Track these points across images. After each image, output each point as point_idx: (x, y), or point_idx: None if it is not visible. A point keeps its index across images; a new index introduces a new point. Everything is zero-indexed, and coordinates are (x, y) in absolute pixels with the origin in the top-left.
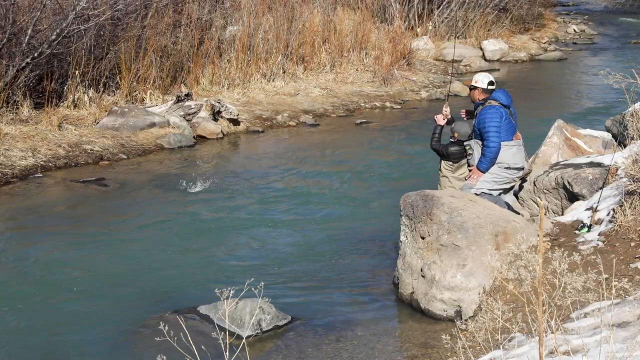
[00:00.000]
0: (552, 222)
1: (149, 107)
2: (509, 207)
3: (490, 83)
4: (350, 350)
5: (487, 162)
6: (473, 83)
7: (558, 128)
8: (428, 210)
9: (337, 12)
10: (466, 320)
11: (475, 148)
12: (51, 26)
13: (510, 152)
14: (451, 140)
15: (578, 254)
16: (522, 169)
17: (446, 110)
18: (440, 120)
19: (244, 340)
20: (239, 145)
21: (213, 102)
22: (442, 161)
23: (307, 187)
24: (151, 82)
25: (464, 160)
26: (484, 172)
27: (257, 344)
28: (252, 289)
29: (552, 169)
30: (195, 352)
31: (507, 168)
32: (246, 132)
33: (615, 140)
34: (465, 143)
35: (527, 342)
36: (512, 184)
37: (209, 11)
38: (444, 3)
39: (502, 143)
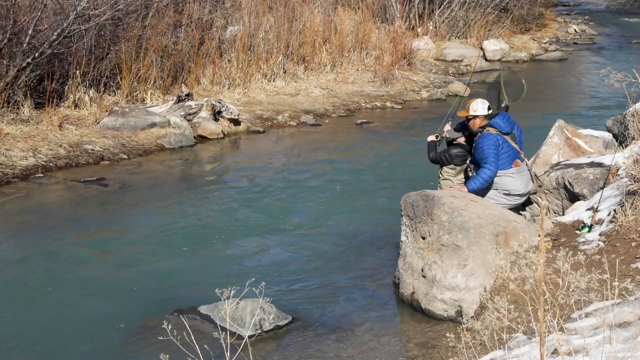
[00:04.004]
0: (553, 222)
1: (149, 107)
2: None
3: (489, 108)
4: (350, 350)
5: (478, 183)
6: (472, 113)
7: (559, 128)
8: (429, 210)
9: (338, 12)
10: (467, 320)
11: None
12: (52, 26)
13: (511, 180)
14: (454, 143)
15: (583, 253)
16: (524, 195)
17: (447, 127)
18: (432, 137)
19: (245, 339)
20: (239, 145)
21: (214, 102)
22: (443, 167)
23: (307, 187)
24: (152, 82)
25: (465, 165)
26: (469, 191)
27: (258, 343)
28: (253, 289)
29: (553, 169)
30: (199, 351)
31: (506, 194)
32: (247, 132)
33: (616, 140)
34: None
35: (528, 342)
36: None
37: (210, 11)
38: (445, 3)
39: (501, 171)
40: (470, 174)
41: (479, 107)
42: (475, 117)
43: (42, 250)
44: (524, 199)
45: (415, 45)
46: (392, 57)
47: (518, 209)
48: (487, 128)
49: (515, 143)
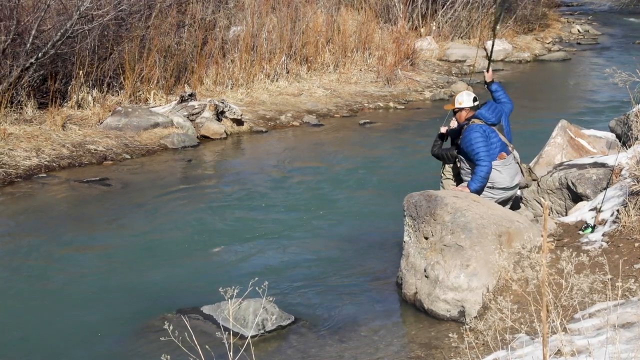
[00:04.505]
0: (556, 223)
1: (152, 107)
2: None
3: (475, 99)
4: (353, 351)
5: (479, 182)
6: (457, 105)
7: (562, 128)
8: (431, 211)
9: (341, 13)
10: (470, 320)
11: (462, 165)
12: (55, 26)
13: (495, 173)
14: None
15: (586, 254)
16: (510, 189)
17: (453, 123)
18: (444, 129)
19: (248, 339)
20: (242, 145)
21: (217, 102)
22: (445, 165)
23: (310, 187)
24: (155, 82)
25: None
26: (472, 192)
27: (261, 344)
28: (256, 288)
29: (556, 170)
30: (200, 352)
31: (489, 187)
32: (250, 132)
33: (619, 141)
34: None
35: (531, 343)
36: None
37: (213, 11)
38: (448, 3)
39: None
40: (458, 164)
41: (464, 100)
42: (461, 109)
43: (45, 250)
44: (509, 193)
45: (418, 45)
46: (395, 57)
47: (513, 206)
48: (473, 120)
49: (503, 134)
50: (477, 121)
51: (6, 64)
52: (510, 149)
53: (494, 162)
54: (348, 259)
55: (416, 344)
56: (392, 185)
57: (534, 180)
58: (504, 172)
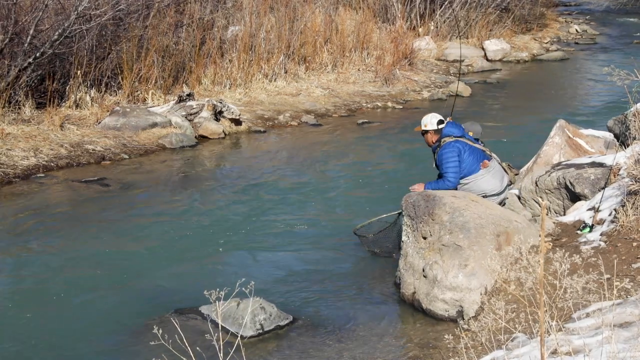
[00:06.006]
0: (554, 222)
1: (150, 107)
2: None
3: (440, 122)
4: (351, 350)
5: (436, 187)
6: (423, 128)
7: (560, 128)
8: (430, 210)
9: (339, 12)
10: (469, 320)
11: None
12: (53, 26)
13: (484, 181)
14: None
15: (579, 255)
16: (502, 192)
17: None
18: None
19: (238, 339)
20: (240, 145)
21: (215, 102)
22: None
23: (308, 187)
24: (153, 82)
25: None
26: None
27: (259, 343)
28: (252, 288)
29: (554, 169)
30: (191, 353)
31: (484, 196)
32: (248, 132)
33: (617, 140)
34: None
35: (528, 343)
36: None
37: (211, 11)
38: (446, 3)
39: (472, 176)
40: None
41: (429, 122)
42: (426, 132)
43: (42, 250)
44: (502, 196)
45: (417, 45)
46: (393, 57)
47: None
48: (444, 138)
49: (472, 142)
50: (448, 139)
51: (4, 64)
52: (488, 153)
53: (479, 173)
54: (346, 259)
55: (414, 343)
56: (390, 185)
57: (516, 175)
58: (491, 178)
